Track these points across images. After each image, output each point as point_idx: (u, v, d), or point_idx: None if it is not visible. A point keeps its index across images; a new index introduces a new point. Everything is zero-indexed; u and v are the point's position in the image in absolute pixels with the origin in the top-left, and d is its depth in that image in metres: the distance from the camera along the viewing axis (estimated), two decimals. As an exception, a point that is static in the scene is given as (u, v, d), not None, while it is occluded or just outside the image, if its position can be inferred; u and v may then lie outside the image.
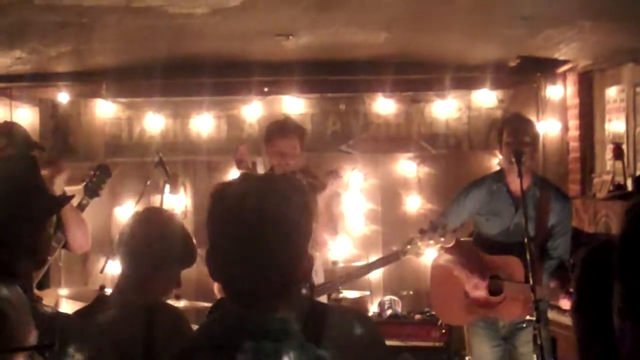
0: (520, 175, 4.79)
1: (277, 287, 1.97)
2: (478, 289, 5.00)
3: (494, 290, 5.00)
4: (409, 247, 4.98)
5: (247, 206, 1.94)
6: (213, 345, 1.96)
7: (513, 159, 4.84)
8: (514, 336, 5.03)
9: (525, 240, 4.67)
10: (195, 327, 3.48)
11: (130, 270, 3.19)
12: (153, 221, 3.30)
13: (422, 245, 4.96)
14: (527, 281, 4.62)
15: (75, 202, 4.45)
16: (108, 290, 5.04)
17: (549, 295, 4.94)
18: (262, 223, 1.93)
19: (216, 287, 5.35)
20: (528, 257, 4.59)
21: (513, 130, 4.97)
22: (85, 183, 4.75)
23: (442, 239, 4.95)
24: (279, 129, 5.20)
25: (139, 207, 6.35)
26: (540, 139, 6.53)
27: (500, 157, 5.28)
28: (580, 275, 2.03)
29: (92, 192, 4.75)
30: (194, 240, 3.41)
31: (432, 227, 5.02)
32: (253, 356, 1.90)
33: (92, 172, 4.81)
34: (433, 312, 6.36)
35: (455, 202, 5.29)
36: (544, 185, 5.12)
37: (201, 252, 6.45)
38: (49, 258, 3.69)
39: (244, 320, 1.94)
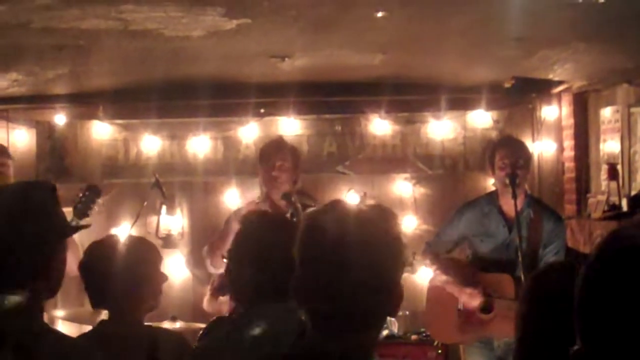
0: (514, 198, 4.84)
1: (365, 317, 1.96)
2: (472, 299, 5.01)
3: (485, 308, 5.02)
4: None
5: (344, 234, 1.93)
6: None
7: (507, 182, 4.88)
8: (509, 357, 5.04)
9: (518, 259, 4.71)
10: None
11: (111, 304, 3.23)
12: (110, 250, 3.30)
13: None
14: (518, 298, 4.64)
15: None
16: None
17: None
18: (358, 252, 1.92)
19: (205, 302, 5.37)
20: (521, 275, 4.63)
21: (506, 153, 5.02)
22: (74, 204, 4.70)
23: (409, 269, 5.02)
24: (271, 144, 5.32)
25: (135, 229, 6.36)
26: (535, 159, 6.63)
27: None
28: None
29: (81, 213, 4.69)
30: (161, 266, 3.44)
31: (436, 248, 5.14)
32: None
33: (82, 193, 4.76)
34: (429, 333, 6.36)
35: (449, 224, 5.34)
36: (537, 206, 5.17)
37: (198, 273, 6.47)
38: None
39: (327, 348, 1.93)
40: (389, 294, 1.98)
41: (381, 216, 2.00)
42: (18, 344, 2.30)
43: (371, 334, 2.01)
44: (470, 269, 5.15)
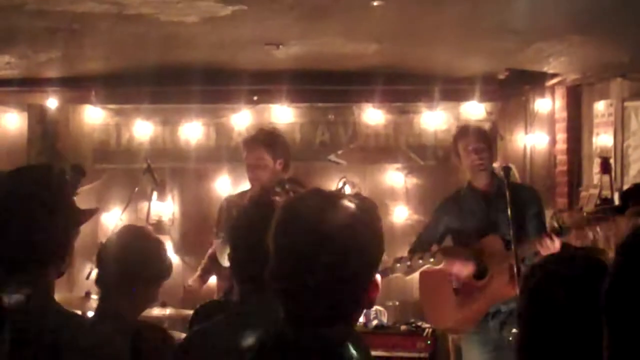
0: (508, 188, 4.95)
1: (339, 309, 1.94)
2: (465, 270, 5.10)
3: (479, 274, 5.13)
4: (397, 265, 5.09)
5: (318, 224, 1.90)
6: None
7: (477, 169, 5.32)
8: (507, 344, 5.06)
9: (500, 220, 4.99)
10: (182, 336, 3.51)
11: (109, 290, 3.24)
12: (127, 242, 3.35)
13: (413, 265, 5.05)
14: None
15: None
16: (94, 297, 5.03)
17: (530, 248, 5.03)
18: (332, 242, 1.89)
19: (191, 280, 5.42)
20: (511, 234, 4.72)
21: (468, 142, 5.41)
22: None
23: (432, 260, 5.06)
24: (246, 141, 5.42)
25: (125, 215, 6.35)
26: (528, 151, 6.73)
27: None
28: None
29: None
30: (169, 254, 3.46)
31: (419, 246, 5.21)
32: None
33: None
34: (419, 323, 6.38)
35: (432, 216, 5.53)
36: (508, 182, 5.37)
37: (188, 260, 6.49)
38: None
39: (299, 339, 1.92)
40: (364, 286, 1.95)
41: (360, 207, 1.96)
42: (34, 324, 2.31)
43: (345, 326, 1.98)
44: (456, 249, 5.33)
